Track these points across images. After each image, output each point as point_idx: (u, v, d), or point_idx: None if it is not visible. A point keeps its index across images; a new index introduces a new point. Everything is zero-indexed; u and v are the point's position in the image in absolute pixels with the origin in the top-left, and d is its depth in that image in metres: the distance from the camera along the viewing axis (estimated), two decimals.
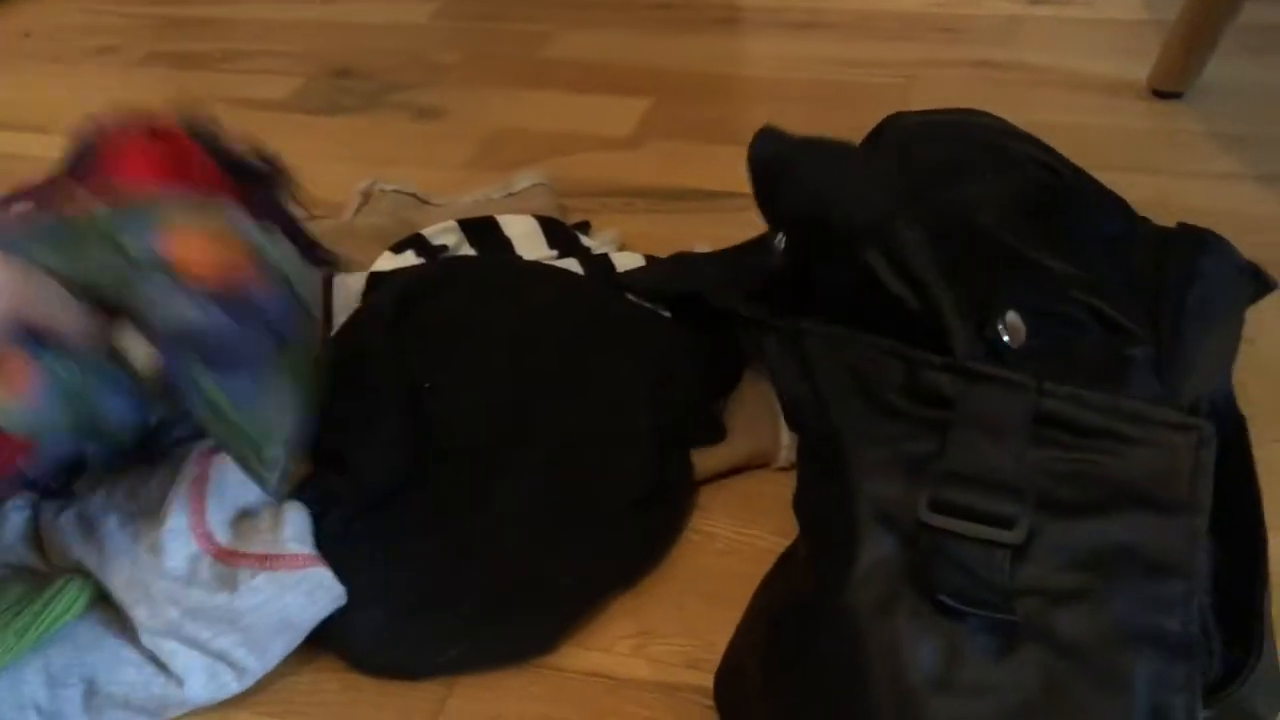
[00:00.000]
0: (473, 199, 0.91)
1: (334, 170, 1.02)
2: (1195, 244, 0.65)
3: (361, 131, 1.10)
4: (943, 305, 0.56)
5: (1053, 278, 0.60)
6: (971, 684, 0.44)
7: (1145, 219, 0.69)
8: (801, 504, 0.57)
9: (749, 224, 0.73)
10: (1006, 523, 0.46)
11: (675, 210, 0.94)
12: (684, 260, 0.79)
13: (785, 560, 0.58)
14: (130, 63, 1.31)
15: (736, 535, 0.64)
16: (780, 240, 0.69)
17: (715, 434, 0.66)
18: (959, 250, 0.60)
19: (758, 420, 0.68)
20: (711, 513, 0.65)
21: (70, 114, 1.17)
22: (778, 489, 0.66)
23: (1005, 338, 0.55)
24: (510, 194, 0.91)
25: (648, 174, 0.98)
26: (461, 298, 0.71)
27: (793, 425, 0.58)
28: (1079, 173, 0.70)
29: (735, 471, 0.67)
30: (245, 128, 1.11)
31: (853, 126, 0.80)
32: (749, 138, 0.68)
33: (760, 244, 0.74)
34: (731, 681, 0.53)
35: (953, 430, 0.49)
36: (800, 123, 1.06)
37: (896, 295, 0.57)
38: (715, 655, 0.55)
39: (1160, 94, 1.03)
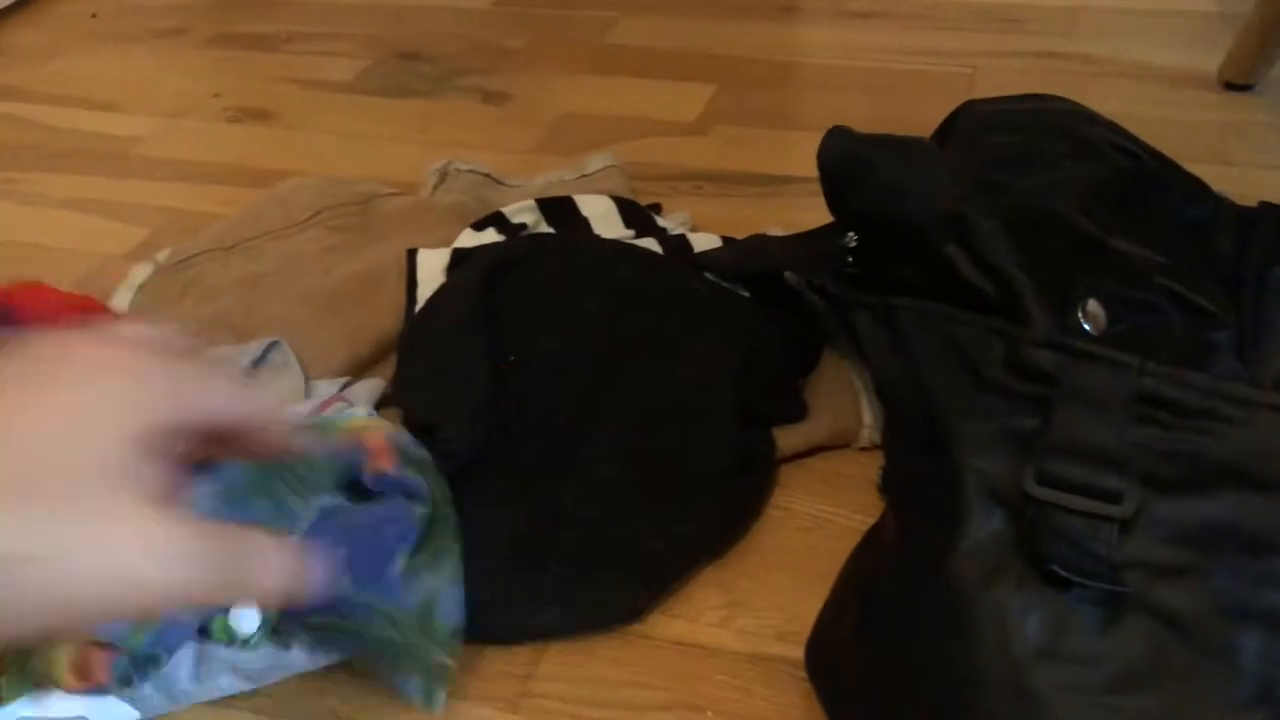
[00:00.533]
0: (546, 180, 0.92)
1: (404, 151, 1.04)
2: (1278, 221, 0.65)
3: (430, 114, 1.11)
4: (1023, 294, 0.56)
5: (1133, 263, 0.60)
6: (1077, 653, 0.44)
7: (1229, 201, 0.68)
8: (894, 481, 0.57)
9: (819, 208, 0.73)
10: (1113, 497, 0.46)
11: (745, 194, 0.94)
12: (762, 240, 0.79)
13: (872, 537, 0.58)
14: (196, 43, 1.33)
15: (819, 512, 0.64)
16: (851, 239, 0.70)
17: (798, 412, 0.67)
18: (1038, 238, 0.60)
19: (838, 400, 0.68)
20: (793, 490, 0.66)
21: (139, 93, 1.20)
22: (859, 469, 0.66)
23: (1086, 325, 0.55)
24: (583, 175, 0.91)
25: (716, 158, 0.99)
26: (547, 273, 0.72)
27: (885, 401, 0.59)
28: (1159, 157, 0.70)
29: (816, 451, 0.68)
30: (314, 108, 1.13)
31: (916, 116, 0.80)
32: (815, 124, 0.68)
33: (833, 230, 0.74)
34: (824, 652, 0.54)
35: (1056, 406, 0.49)
36: (864, 111, 1.07)
37: (976, 286, 0.57)
38: (804, 628, 0.55)
39: (1231, 86, 1.03)
